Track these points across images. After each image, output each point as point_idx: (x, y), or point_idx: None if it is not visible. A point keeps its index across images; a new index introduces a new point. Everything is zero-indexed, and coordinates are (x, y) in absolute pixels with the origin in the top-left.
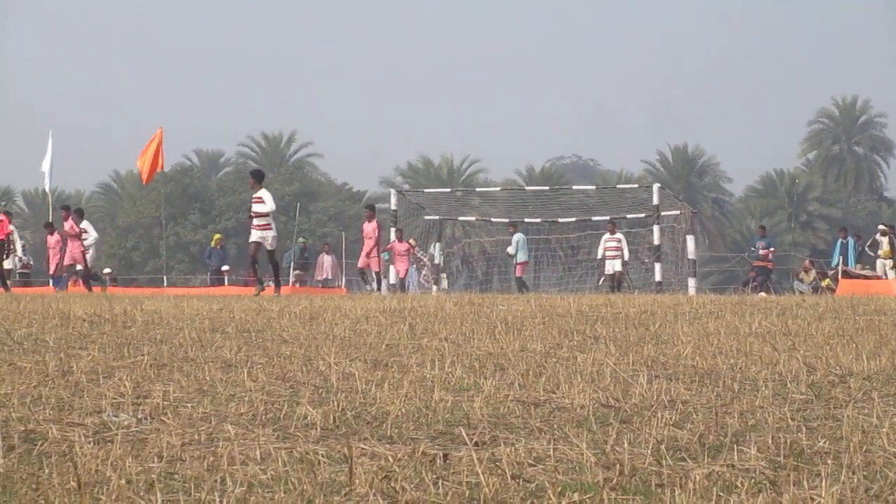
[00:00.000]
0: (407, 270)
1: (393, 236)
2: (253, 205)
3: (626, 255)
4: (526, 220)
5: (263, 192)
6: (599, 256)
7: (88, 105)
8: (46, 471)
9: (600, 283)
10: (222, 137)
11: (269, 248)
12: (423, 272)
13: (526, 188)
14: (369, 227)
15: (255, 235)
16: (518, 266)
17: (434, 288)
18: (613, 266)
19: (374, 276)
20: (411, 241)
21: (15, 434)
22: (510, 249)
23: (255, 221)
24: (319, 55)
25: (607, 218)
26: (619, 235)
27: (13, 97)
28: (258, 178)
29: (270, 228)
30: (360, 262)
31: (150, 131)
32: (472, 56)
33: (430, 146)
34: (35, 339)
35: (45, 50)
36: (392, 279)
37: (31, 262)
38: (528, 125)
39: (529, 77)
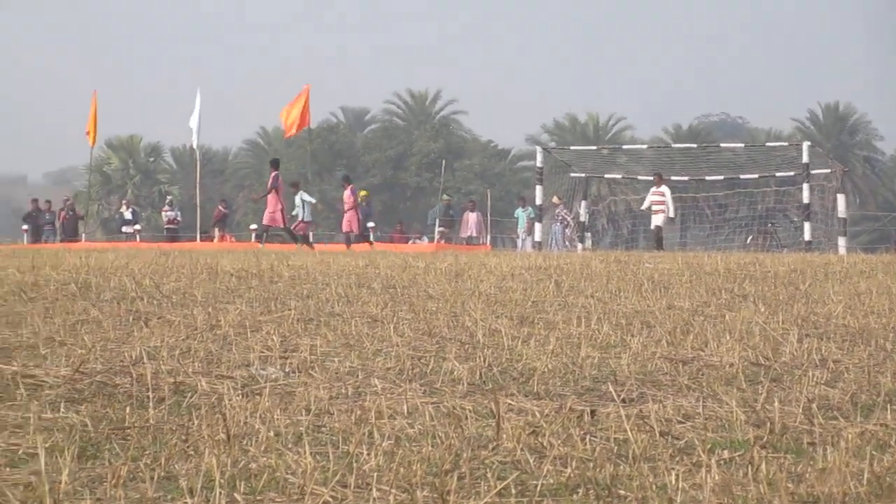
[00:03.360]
0: (353, 222)
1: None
2: None
3: (671, 212)
4: (673, 177)
5: None
6: (644, 207)
7: (237, 62)
8: (196, 422)
9: (748, 241)
10: (368, 95)
11: None
12: (568, 231)
13: (673, 146)
14: (347, 194)
15: None
16: (302, 224)
17: (579, 246)
18: (654, 221)
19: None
20: (555, 198)
21: (165, 386)
22: (297, 212)
23: None
24: (465, 12)
25: (755, 175)
26: (663, 189)
27: (164, 54)
28: None
29: None
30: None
31: (296, 88)
32: (619, 12)
33: (577, 103)
34: (183, 294)
35: (195, 9)
36: (537, 236)
37: (179, 218)
38: (675, 82)
39: (678, 33)
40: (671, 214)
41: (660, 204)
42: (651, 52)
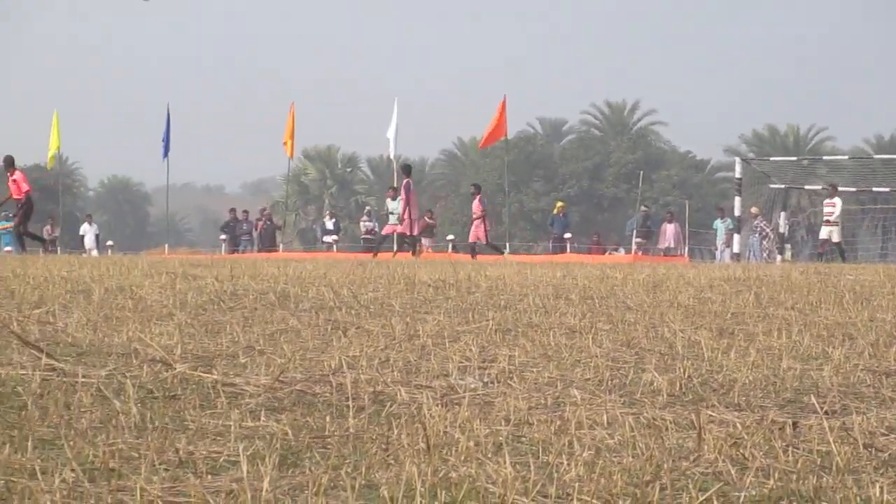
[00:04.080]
0: (480, 232)
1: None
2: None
3: (832, 220)
4: (874, 188)
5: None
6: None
7: (433, 73)
8: (395, 431)
9: None
10: (565, 105)
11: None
12: (765, 242)
13: (874, 157)
14: (476, 203)
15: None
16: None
17: (778, 258)
18: (822, 233)
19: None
20: (754, 210)
21: (364, 395)
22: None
23: None
24: (663, 24)
25: None
26: (836, 200)
27: (362, 67)
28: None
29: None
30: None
31: (494, 99)
32: (818, 22)
33: (777, 114)
34: (381, 304)
35: (392, 24)
36: (736, 248)
37: (377, 229)
38: (878, 92)
39: (875, 43)
40: (832, 220)
41: (829, 215)
42: (854, 63)
